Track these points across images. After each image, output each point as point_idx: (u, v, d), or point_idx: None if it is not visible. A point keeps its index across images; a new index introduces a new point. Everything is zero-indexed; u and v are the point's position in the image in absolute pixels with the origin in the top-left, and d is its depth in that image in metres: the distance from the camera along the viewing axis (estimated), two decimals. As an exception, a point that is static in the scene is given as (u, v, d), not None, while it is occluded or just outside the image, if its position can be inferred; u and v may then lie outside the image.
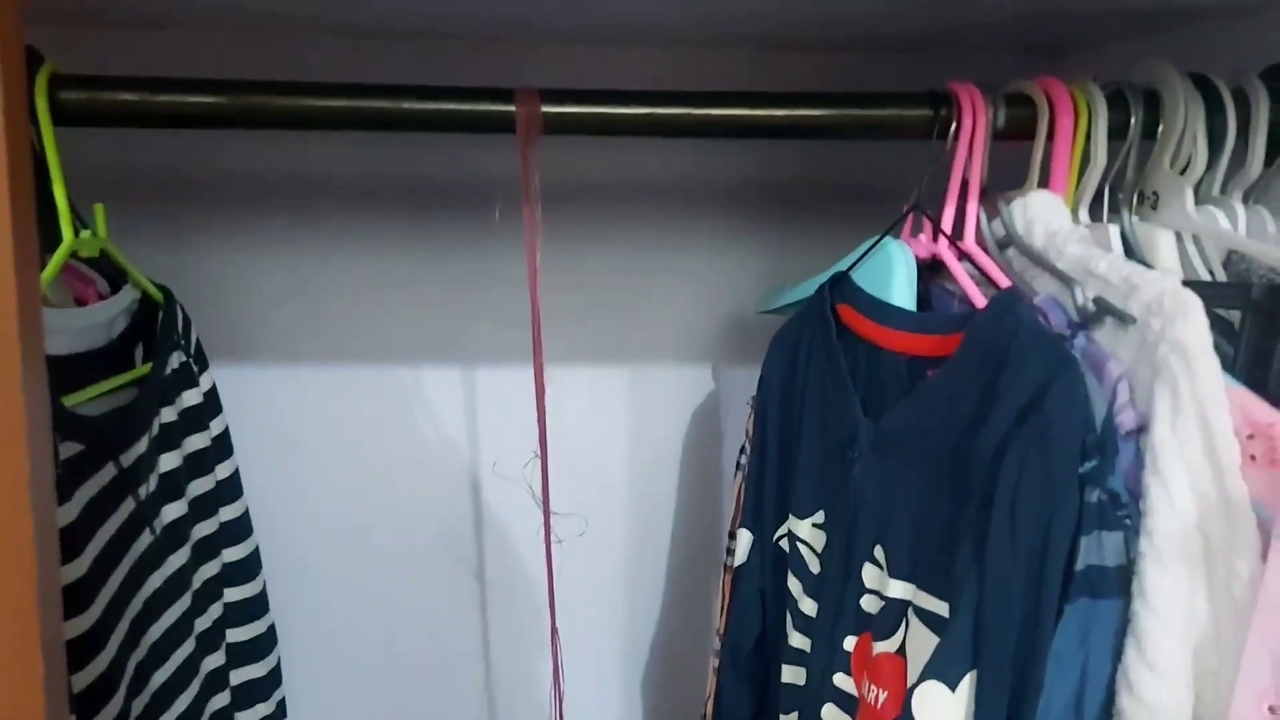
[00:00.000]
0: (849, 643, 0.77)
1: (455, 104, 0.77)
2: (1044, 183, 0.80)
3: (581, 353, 1.17)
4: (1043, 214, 0.78)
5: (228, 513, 0.95)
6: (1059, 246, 0.74)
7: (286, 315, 1.12)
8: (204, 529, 0.91)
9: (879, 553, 0.76)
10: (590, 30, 1.00)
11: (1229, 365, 0.63)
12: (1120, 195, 0.80)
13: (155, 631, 0.82)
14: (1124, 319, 0.65)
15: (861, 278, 0.84)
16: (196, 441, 0.90)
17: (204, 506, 0.91)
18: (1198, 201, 0.79)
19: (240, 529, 0.96)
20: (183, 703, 0.85)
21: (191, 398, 0.90)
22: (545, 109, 0.77)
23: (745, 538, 0.93)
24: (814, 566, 0.84)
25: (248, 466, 0.99)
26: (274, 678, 1.02)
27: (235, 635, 0.96)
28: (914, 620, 0.72)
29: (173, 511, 0.85)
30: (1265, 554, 0.57)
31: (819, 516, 0.84)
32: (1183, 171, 0.79)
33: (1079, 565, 0.62)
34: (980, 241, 0.80)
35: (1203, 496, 0.59)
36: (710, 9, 0.90)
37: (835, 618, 0.79)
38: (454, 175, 1.10)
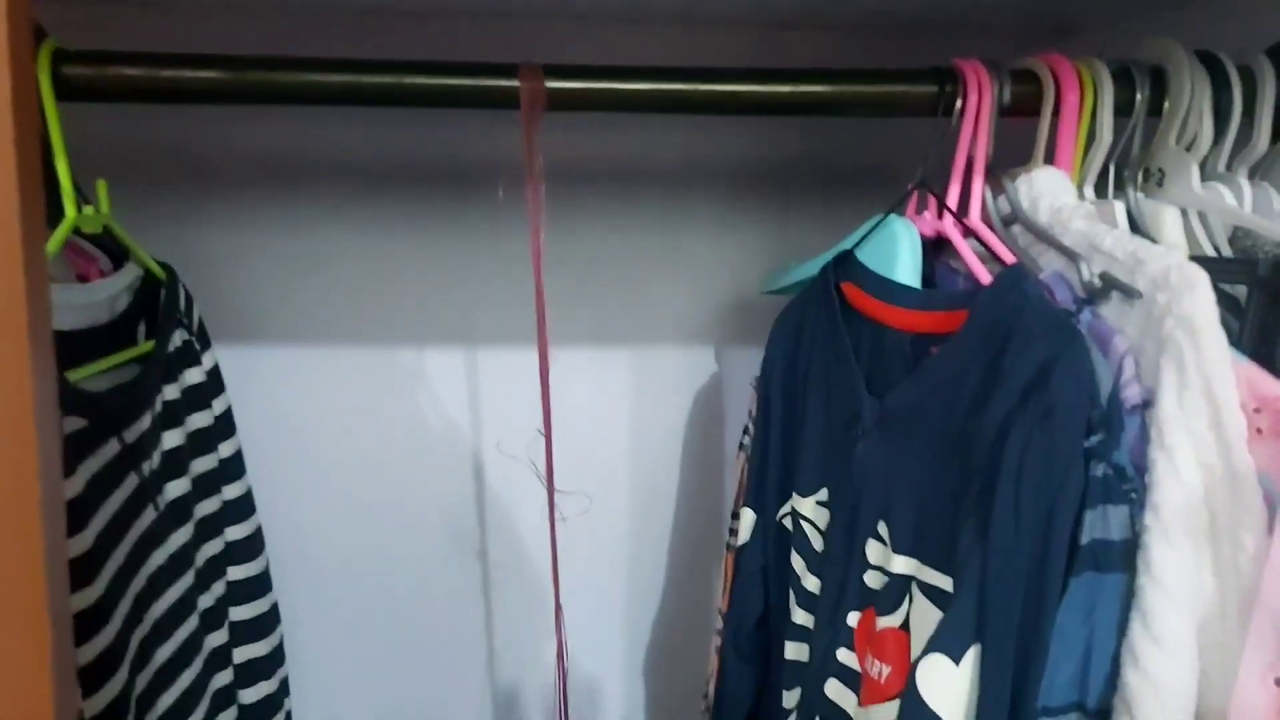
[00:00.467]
0: (852, 618, 0.77)
1: (458, 79, 0.77)
2: (1049, 160, 0.80)
3: (584, 334, 1.17)
4: (1048, 190, 0.77)
5: (230, 491, 0.95)
6: (1064, 222, 0.74)
7: (288, 295, 1.12)
8: (207, 507, 0.91)
9: (883, 529, 0.76)
10: (597, 8, 1.00)
11: (1235, 340, 0.62)
12: (1126, 172, 0.80)
13: (159, 608, 0.82)
14: (1130, 294, 0.65)
15: (866, 256, 0.84)
16: (199, 420, 0.90)
17: (207, 484, 0.91)
18: (1203, 178, 0.78)
19: (243, 508, 0.96)
20: (186, 679, 0.85)
21: (194, 376, 0.89)
22: (549, 84, 0.77)
23: (748, 517, 0.93)
24: (817, 544, 0.84)
25: (250, 447, 0.98)
26: (277, 656, 1.02)
27: (238, 613, 0.96)
28: (918, 595, 0.72)
29: (176, 489, 0.85)
30: (1271, 528, 0.57)
31: (822, 494, 0.84)
32: (1188, 148, 0.79)
33: (1084, 540, 0.62)
34: (985, 218, 0.80)
35: (1209, 470, 0.59)
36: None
37: (839, 593, 0.79)
38: (458, 155, 1.09)
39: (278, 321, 1.13)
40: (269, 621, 1.00)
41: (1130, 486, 0.61)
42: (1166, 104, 0.79)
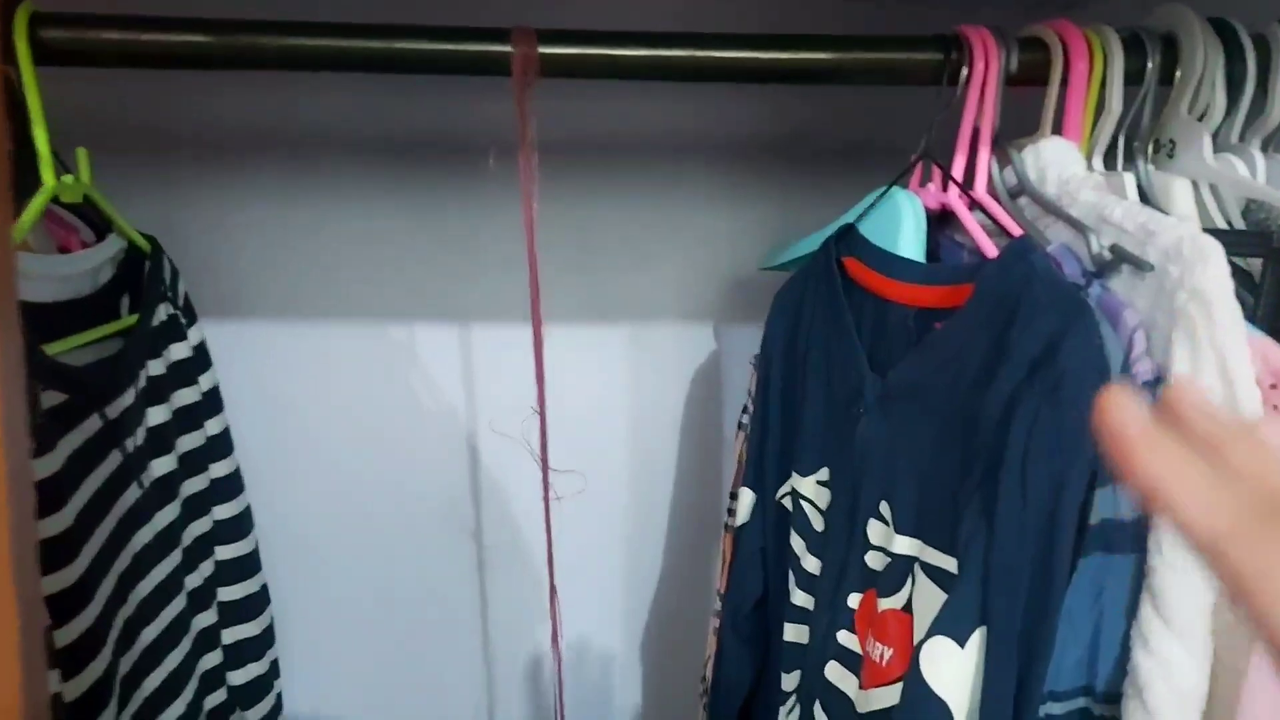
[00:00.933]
0: (853, 600, 0.76)
1: (449, 44, 0.75)
2: (1056, 130, 0.78)
3: (579, 310, 1.15)
4: (1056, 161, 0.75)
5: (218, 469, 0.93)
6: (1072, 194, 0.72)
7: (275, 269, 1.09)
8: (194, 485, 0.89)
9: (885, 508, 0.74)
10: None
11: (1249, 314, 0.60)
12: (1136, 143, 0.78)
13: (144, 587, 0.80)
14: (1141, 266, 0.63)
15: (868, 229, 0.81)
16: (186, 396, 0.88)
17: (194, 462, 0.89)
18: (1215, 149, 0.76)
19: (231, 486, 0.95)
20: (173, 660, 0.84)
21: (180, 351, 0.87)
22: (543, 50, 0.74)
23: (747, 497, 0.91)
24: (818, 524, 0.82)
25: (236, 425, 0.97)
26: (267, 637, 1.00)
27: (227, 593, 0.95)
28: (921, 576, 0.70)
29: (162, 466, 0.83)
30: (1287, 506, 0.55)
31: (823, 473, 0.83)
32: (1200, 118, 0.77)
33: (1093, 519, 0.60)
34: (991, 190, 0.78)
35: (1223, 448, 0.57)
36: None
37: (839, 574, 0.78)
38: (449, 123, 1.07)
39: (264, 296, 1.10)
40: (259, 602, 0.99)
41: (1141, 464, 0.59)
42: (1178, 73, 0.77)
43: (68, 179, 0.74)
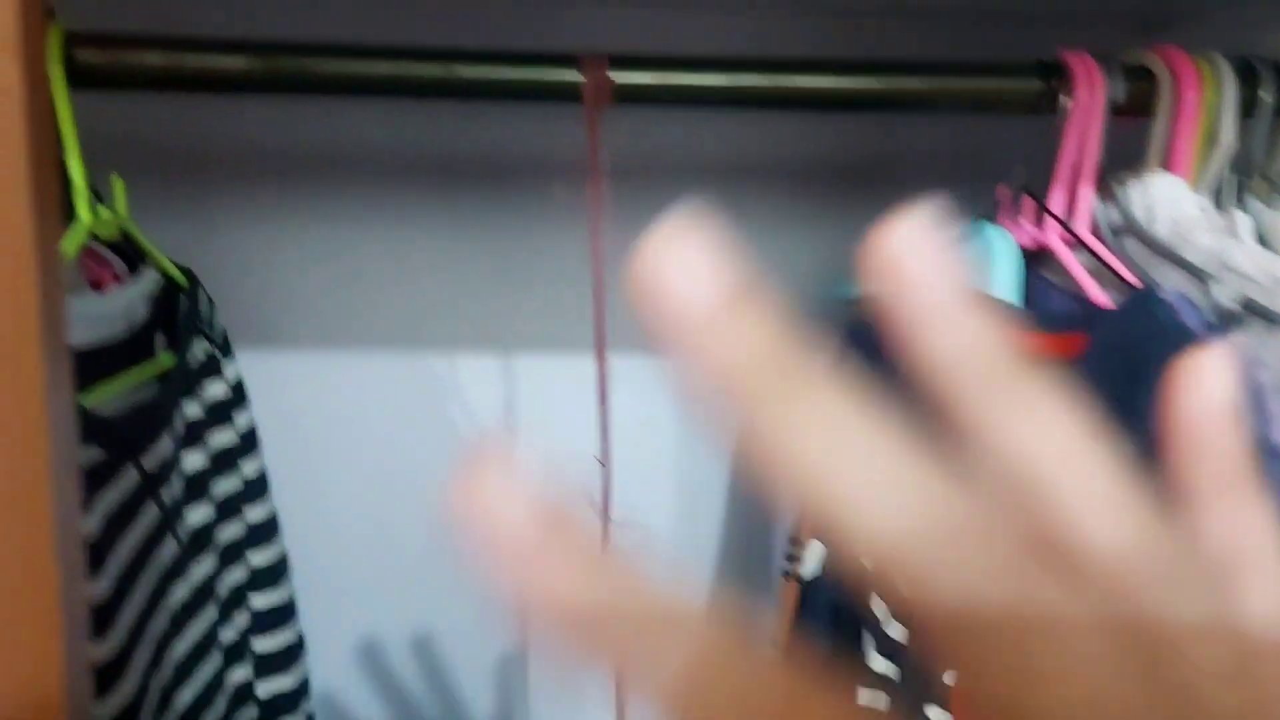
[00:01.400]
0: (949, 675, 0.70)
1: (514, 70, 0.70)
2: (1161, 163, 0.73)
3: (627, 340, 1.09)
4: (1166, 199, 0.70)
5: (255, 514, 0.87)
6: (1186, 236, 0.67)
7: (313, 298, 1.04)
8: (231, 532, 0.84)
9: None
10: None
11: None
12: (1249, 180, 0.73)
13: (180, 648, 0.75)
14: (1277, 321, 0.58)
15: (954, 267, 0.76)
16: (223, 438, 0.83)
17: (231, 508, 0.84)
18: (1334, 187, 0.71)
19: (268, 531, 0.89)
20: (208, 720, 0.79)
21: (217, 390, 0.82)
22: (614, 76, 0.69)
23: (817, 548, 0.86)
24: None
25: (268, 461, 0.91)
26: (303, 689, 0.95)
27: (261, 645, 0.89)
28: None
29: (198, 515, 0.78)
30: None
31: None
32: (1318, 153, 0.72)
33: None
34: (1093, 230, 0.73)
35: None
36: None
37: (928, 642, 0.72)
38: (493, 147, 1.01)
39: (300, 327, 1.05)
40: (295, 652, 0.93)
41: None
42: (1295, 103, 0.72)
43: (104, 212, 0.69)
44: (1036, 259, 0.76)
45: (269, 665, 0.90)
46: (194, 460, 0.78)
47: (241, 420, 0.86)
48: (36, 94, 0.40)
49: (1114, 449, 0.22)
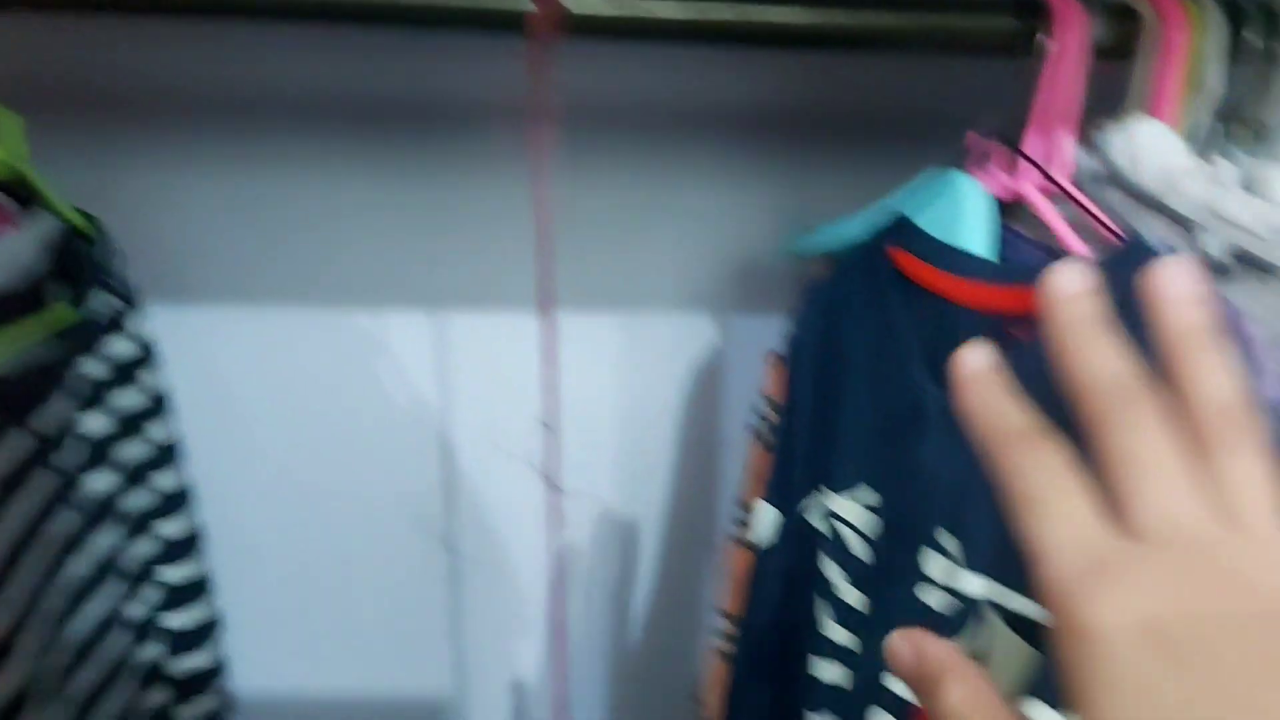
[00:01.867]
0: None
1: (455, -3, 0.63)
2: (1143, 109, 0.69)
3: (566, 297, 1.04)
4: (1152, 146, 0.66)
5: (165, 482, 0.81)
6: (1175, 184, 0.63)
7: (229, 248, 0.97)
8: (139, 502, 0.77)
9: (948, 540, 0.65)
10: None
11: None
12: (1233, 126, 0.69)
13: (80, 627, 0.68)
14: (1274, 273, 0.55)
15: (922, 218, 0.72)
16: (128, 398, 0.76)
17: (138, 475, 0.77)
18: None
19: (180, 500, 0.83)
20: (115, 703, 0.72)
21: (123, 348, 0.75)
22: (570, 5, 0.63)
23: (768, 512, 0.82)
24: (861, 553, 0.73)
25: (183, 425, 0.85)
26: (220, 667, 0.89)
27: (175, 620, 0.83)
28: (997, 623, 0.61)
29: (101, 483, 0.71)
30: None
31: (866, 494, 0.73)
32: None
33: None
34: (1073, 179, 0.69)
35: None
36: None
37: (891, 614, 0.69)
38: (424, 85, 0.94)
39: (214, 279, 0.97)
40: (209, 629, 0.87)
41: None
42: (1281, 47, 0.69)
43: (-8, 149, 0.62)
44: (1008, 210, 0.72)
45: (182, 643, 0.84)
46: (96, 423, 0.71)
47: (150, 381, 0.79)
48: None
49: None
